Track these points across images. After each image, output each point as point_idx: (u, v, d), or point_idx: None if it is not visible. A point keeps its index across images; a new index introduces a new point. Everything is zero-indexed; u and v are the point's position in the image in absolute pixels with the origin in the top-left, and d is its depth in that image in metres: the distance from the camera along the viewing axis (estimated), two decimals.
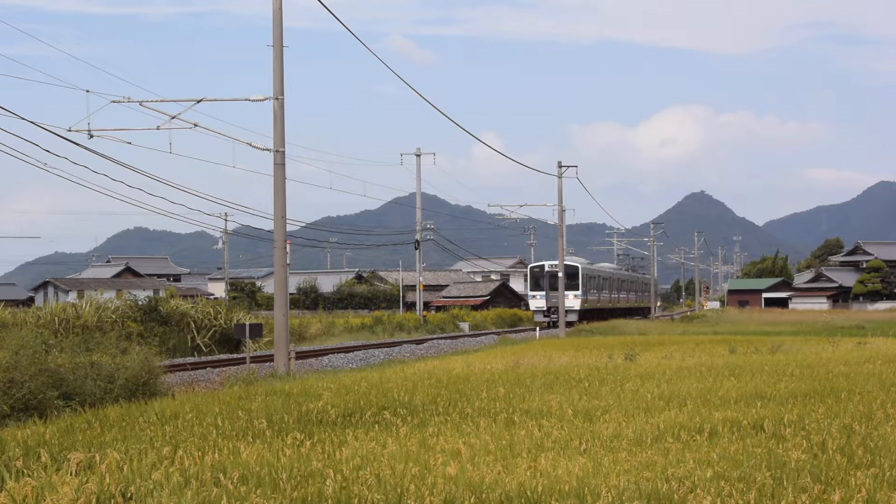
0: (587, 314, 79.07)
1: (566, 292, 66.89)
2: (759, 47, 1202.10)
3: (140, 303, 44.85)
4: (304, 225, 74.35)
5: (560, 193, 62.31)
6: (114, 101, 30.81)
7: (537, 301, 75.61)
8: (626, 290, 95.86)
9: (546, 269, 74.59)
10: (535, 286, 75.62)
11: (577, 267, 75.52)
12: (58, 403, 18.26)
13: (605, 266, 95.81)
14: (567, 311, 68.22)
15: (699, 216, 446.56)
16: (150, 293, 59.34)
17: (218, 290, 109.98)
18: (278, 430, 14.42)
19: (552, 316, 73.02)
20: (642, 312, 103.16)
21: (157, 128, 30.98)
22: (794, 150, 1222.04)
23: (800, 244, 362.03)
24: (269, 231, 36.42)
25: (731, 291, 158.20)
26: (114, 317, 42.24)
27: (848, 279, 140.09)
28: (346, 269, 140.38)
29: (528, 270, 77.59)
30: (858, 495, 9.78)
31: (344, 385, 21.33)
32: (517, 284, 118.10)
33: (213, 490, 10.17)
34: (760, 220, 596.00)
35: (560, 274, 62.79)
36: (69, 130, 29.96)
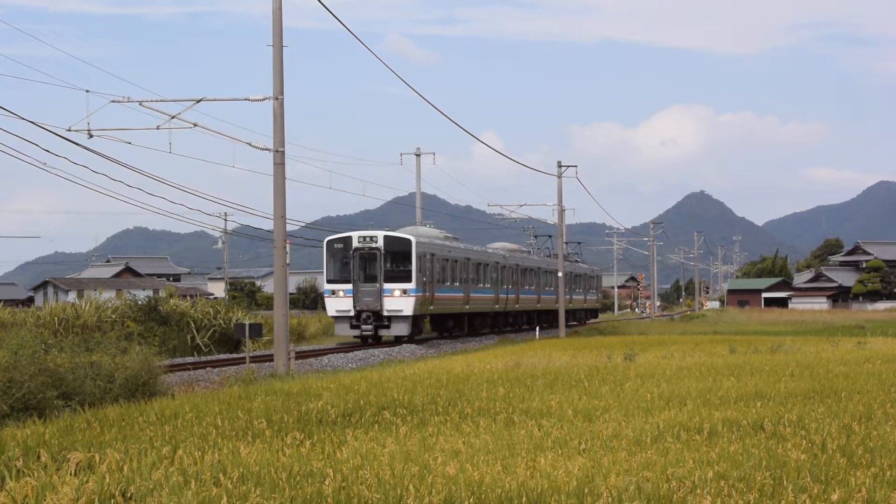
0: (437, 321, 51.10)
1: (387, 286, 43.03)
2: (760, 47, 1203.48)
3: (140, 303, 44.87)
4: (304, 225, 74.27)
5: (560, 193, 62.38)
6: (114, 101, 30.84)
7: (339, 300, 43.59)
8: (534, 285, 63.53)
9: (355, 243, 43.67)
10: (337, 274, 44.00)
11: (408, 241, 44.03)
12: (57, 403, 18.26)
13: (497, 246, 62.09)
14: (390, 317, 43.24)
15: (699, 216, 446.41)
16: (150, 293, 59.38)
17: (218, 289, 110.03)
18: (278, 430, 14.43)
19: (365, 326, 43.22)
20: (577, 318, 74.69)
21: (157, 128, 31.00)
22: (794, 150, 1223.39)
23: (800, 244, 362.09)
24: (269, 231, 36.43)
25: (730, 291, 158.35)
26: (113, 317, 42.25)
27: (848, 279, 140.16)
28: None
29: (325, 246, 44.60)
30: (858, 495, 9.79)
31: (344, 385, 21.34)
32: None
33: (213, 490, 10.17)
34: (760, 220, 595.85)
35: (560, 274, 62.19)
36: (69, 130, 29.98)
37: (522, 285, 60.72)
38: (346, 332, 44.30)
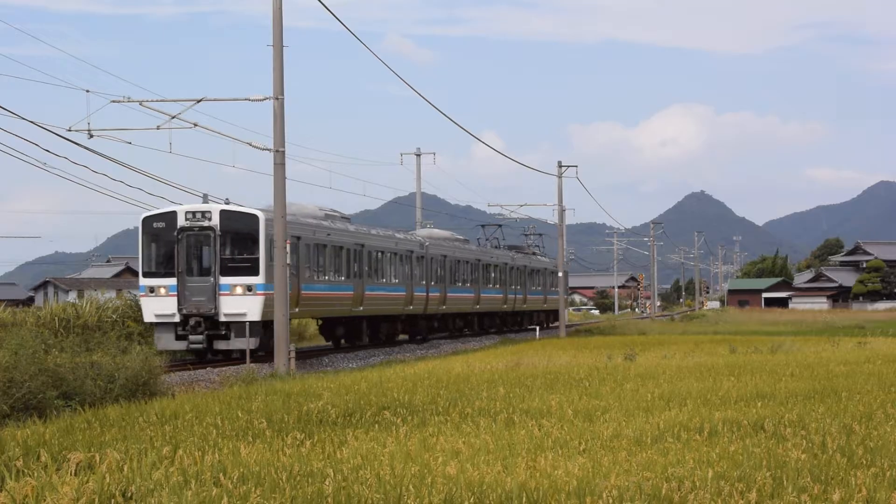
0: (326, 328, 41.35)
1: (225, 280, 31.43)
2: (760, 47, 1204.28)
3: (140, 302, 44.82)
4: None
5: (560, 193, 62.39)
6: (114, 101, 30.83)
7: (159, 301, 31.85)
8: (472, 282, 52.07)
9: (181, 221, 32.12)
10: (157, 265, 32.51)
11: (253, 218, 32.39)
12: (58, 403, 18.27)
13: (421, 233, 51.54)
14: (229, 324, 31.55)
15: (699, 216, 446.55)
16: None
17: None
18: (278, 430, 14.43)
19: (194, 336, 31.40)
20: (534, 320, 64.09)
21: (157, 128, 30.98)
22: (794, 150, 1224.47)
23: (800, 244, 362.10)
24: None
25: (731, 291, 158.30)
26: (114, 316, 42.23)
27: (848, 279, 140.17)
28: None
29: (140, 226, 32.74)
30: (858, 495, 9.78)
31: (344, 385, 21.34)
32: None
33: (214, 490, 10.17)
34: (760, 219, 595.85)
35: (560, 273, 62.10)
36: (69, 130, 29.98)
37: (454, 282, 49.33)
38: (170, 344, 31.66)
